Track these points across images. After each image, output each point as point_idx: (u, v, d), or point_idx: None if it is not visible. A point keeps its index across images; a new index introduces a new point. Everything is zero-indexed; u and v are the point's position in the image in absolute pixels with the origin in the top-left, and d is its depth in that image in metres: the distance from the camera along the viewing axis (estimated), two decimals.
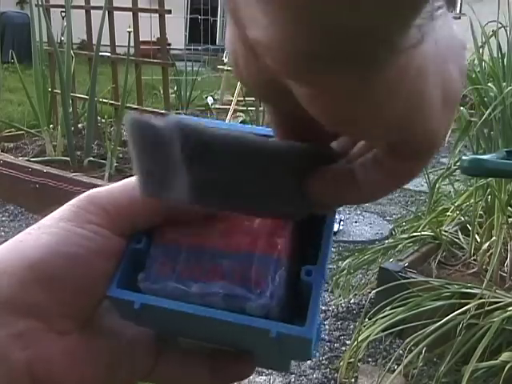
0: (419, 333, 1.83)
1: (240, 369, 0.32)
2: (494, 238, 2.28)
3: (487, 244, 2.31)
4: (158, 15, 3.68)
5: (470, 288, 1.98)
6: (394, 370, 1.83)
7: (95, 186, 0.32)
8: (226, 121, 4.17)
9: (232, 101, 4.65)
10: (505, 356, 1.76)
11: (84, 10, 3.91)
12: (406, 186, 4.12)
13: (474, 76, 2.41)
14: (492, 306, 1.86)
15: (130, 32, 3.71)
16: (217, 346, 0.32)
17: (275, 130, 0.26)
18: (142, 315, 0.29)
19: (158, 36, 3.88)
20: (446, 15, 0.21)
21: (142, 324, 0.31)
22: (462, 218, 2.58)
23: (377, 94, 0.19)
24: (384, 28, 0.16)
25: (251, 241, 0.29)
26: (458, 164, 2.40)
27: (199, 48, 7.35)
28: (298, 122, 0.24)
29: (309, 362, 2.07)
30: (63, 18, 4.25)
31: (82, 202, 0.30)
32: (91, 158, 3.63)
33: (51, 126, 3.93)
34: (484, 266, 2.31)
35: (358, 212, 3.63)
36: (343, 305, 2.43)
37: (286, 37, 0.17)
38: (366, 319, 2.02)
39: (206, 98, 5.79)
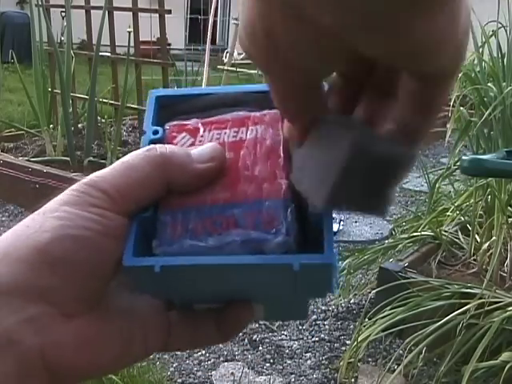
0: (419, 333, 1.83)
1: (242, 316, 0.32)
2: (493, 237, 2.28)
3: (487, 244, 2.31)
4: (158, 15, 3.68)
5: (470, 288, 1.98)
6: (394, 370, 1.83)
7: None
8: None
9: None
10: (505, 356, 1.76)
11: (84, 10, 3.91)
12: (405, 186, 4.13)
13: (473, 76, 2.41)
14: (492, 306, 1.86)
15: (129, 32, 3.71)
16: (229, 300, 0.32)
17: (294, 104, 0.27)
18: (161, 280, 0.29)
19: (158, 36, 3.87)
20: None
21: (160, 292, 0.31)
22: (462, 218, 2.58)
23: (448, 16, 0.21)
24: None
25: (256, 187, 0.29)
26: (458, 164, 2.40)
27: (199, 48, 7.35)
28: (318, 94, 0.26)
29: (309, 362, 2.07)
30: (63, 18, 4.25)
31: (83, 187, 0.30)
32: (91, 158, 3.63)
33: (51, 125, 3.93)
34: (484, 266, 2.31)
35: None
36: (343, 305, 2.43)
37: None
38: (366, 319, 2.02)
39: None
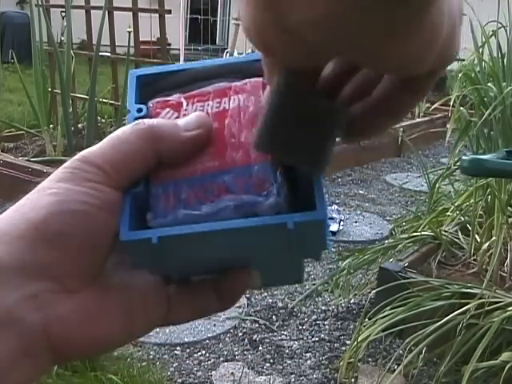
0: (419, 333, 1.83)
1: (241, 281, 0.33)
2: (493, 237, 2.28)
3: (487, 244, 2.31)
4: (158, 15, 3.68)
5: (470, 288, 1.98)
6: (394, 370, 1.83)
7: None
8: None
9: None
10: (505, 356, 1.76)
11: (84, 10, 3.91)
12: (405, 186, 4.13)
13: (473, 76, 2.41)
14: (492, 306, 1.86)
15: (129, 32, 3.71)
16: (225, 269, 0.33)
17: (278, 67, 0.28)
18: (159, 252, 0.29)
19: (158, 36, 3.87)
20: None
21: (158, 266, 0.32)
22: (462, 218, 2.58)
23: (431, 20, 0.21)
24: None
25: (244, 153, 0.30)
26: (458, 164, 2.40)
27: (199, 48, 7.35)
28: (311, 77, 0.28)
29: (309, 362, 2.07)
30: (63, 18, 4.25)
31: (76, 163, 0.30)
32: None
33: (51, 125, 3.93)
34: (484, 266, 2.31)
35: (358, 212, 3.63)
36: (343, 305, 2.43)
37: None
38: (366, 319, 2.02)
39: None
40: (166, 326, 2.20)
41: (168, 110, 0.32)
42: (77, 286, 0.29)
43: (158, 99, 0.33)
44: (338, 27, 0.20)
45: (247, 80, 0.32)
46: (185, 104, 0.32)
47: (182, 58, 3.58)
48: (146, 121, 0.31)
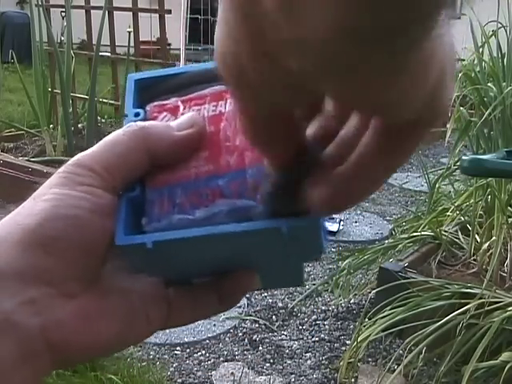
0: (419, 333, 1.83)
1: (243, 283, 0.33)
2: (493, 237, 2.28)
3: (487, 244, 2.31)
4: (158, 15, 3.68)
5: (470, 288, 1.98)
6: (394, 370, 1.83)
7: None
8: None
9: None
10: (505, 356, 1.76)
11: (84, 10, 3.91)
12: (405, 186, 4.12)
13: (473, 76, 2.41)
14: (492, 306, 1.86)
15: (129, 32, 3.71)
16: (224, 271, 0.33)
17: (264, 143, 0.26)
18: (154, 257, 0.29)
19: (158, 36, 3.88)
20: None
21: (155, 269, 0.32)
22: (462, 218, 2.58)
23: (419, 65, 0.20)
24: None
25: (238, 157, 0.30)
26: (458, 164, 2.40)
27: (199, 48, 7.35)
28: (283, 119, 0.25)
29: (309, 362, 2.07)
30: (63, 18, 4.25)
31: (69, 168, 0.30)
32: None
33: (51, 125, 3.93)
34: (484, 266, 2.31)
35: (358, 212, 3.63)
36: (343, 305, 2.43)
37: (340, 18, 0.17)
38: (366, 319, 2.02)
39: None
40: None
41: (165, 113, 0.32)
42: (74, 290, 0.29)
43: (155, 103, 0.33)
44: (323, 52, 0.18)
45: None
46: (181, 108, 0.32)
47: (182, 58, 3.58)
48: (138, 123, 0.31)
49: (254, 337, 2.20)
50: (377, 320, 1.95)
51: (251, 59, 0.20)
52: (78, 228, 0.29)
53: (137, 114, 0.33)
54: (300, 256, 0.33)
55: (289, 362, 2.08)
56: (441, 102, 0.23)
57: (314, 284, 2.59)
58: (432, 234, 2.49)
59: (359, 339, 1.91)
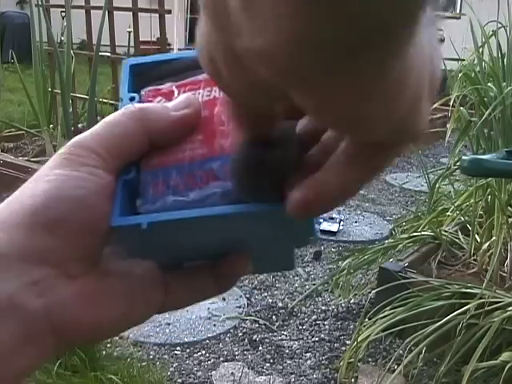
0: (419, 333, 1.83)
1: (239, 266, 0.33)
2: (493, 238, 2.28)
3: (487, 244, 2.31)
4: (158, 15, 3.68)
5: (470, 288, 1.98)
6: (394, 370, 1.83)
7: None
8: None
9: None
10: (505, 356, 1.76)
11: (84, 10, 3.91)
12: (405, 186, 4.13)
13: (473, 76, 2.41)
14: (492, 306, 1.86)
15: (129, 32, 3.71)
16: (218, 255, 0.33)
17: (240, 124, 0.27)
18: (149, 238, 0.30)
19: (158, 36, 3.88)
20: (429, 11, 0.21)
21: (149, 253, 0.32)
22: (462, 218, 2.58)
23: (388, 88, 0.19)
24: (394, 18, 0.16)
25: (232, 142, 0.30)
26: (458, 164, 2.40)
27: None
28: (265, 119, 0.25)
29: (309, 362, 2.07)
30: (63, 18, 4.25)
31: (71, 149, 0.30)
32: None
33: (51, 125, 3.93)
34: (484, 266, 2.31)
35: (358, 212, 3.63)
36: (343, 305, 2.43)
37: (299, 33, 0.17)
38: (366, 319, 2.02)
39: None
40: (167, 325, 2.20)
41: (160, 98, 0.33)
42: (77, 271, 0.29)
43: (150, 88, 0.34)
44: (283, 62, 0.18)
45: None
46: (176, 92, 0.33)
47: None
48: (136, 104, 0.32)
49: (254, 337, 2.20)
50: (377, 320, 1.95)
51: (221, 58, 0.21)
52: (81, 209, 0.29)
53: (132, 99, 0.33)
54: (291, 240, 0.33)
55: (289, 361, 2.08)
56: (414, 126, 0.22)
57: (314, 284, 2.59)
58: (432, 233, 2.49)
59: (359, 339, 1.91)
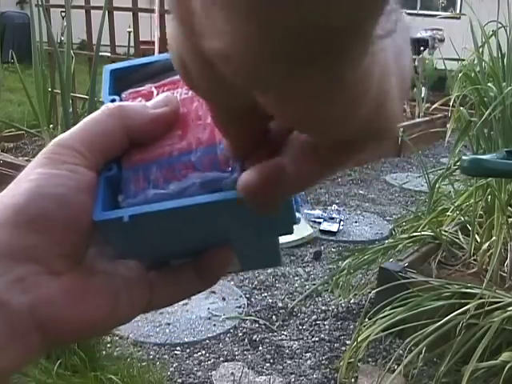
0: (419, 333, 1.83)
1: (221, 258, 0.33)
2: (493, 238, 2.28)
3: (487, 244, 2.31)
4: (157, 15, 3.68)
5: (470, 288, 1.98)
6: (394, 370, 1.83)
7: None
8: None
9: None
10: (505, 356, 1.76)
11: (84, 10, 3.91)
12: (405, 186, 4.12)
13: (473, 76, 2.41)
14: (492, 306, 1.86)
15: (129, 32, 3.71)
16: (202, 250, 0.34)
17: (222, 129, 0.27)
18: (132, 232, 0.30)
19: (158, 36, 3.87)
20: (398, 8, 0.21)
21: (133, 249, 0.33)
22: (462, 218, 2.58)
23: (346, 92, 0.19)
24: (347, 21, 0.17)
25: (210, 134, 0.31)
26: (458, 164, 2.40)
27: None
28: (240, 117, 0.25)
29: (309, 362, 2.07)
30: (63, 17, 4.25)
31: (51, 148, 0.31)
32: None
33: (51, 126, 3.93)
34: (484, 266, 2.31)
35: (358, 212, 3.63)
36: (343, 305, 2.43)
37: (249, 41, 0.17)
38: (366, 319, 2.02)
39: None
40: (167, 325, 2.20)
41: (140, 99, 0.34)
42: (61, 267, 0.30)
43: (130, 90, 0.35)
44: (242, 64, 0.18)
45: None
46: (155, 93, 0.34)
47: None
48: (116, 102, 0.33)
49: (254, 337, 2.20)
50: (377, 320, 1.95)
51: (189, 59, 0.21)
52: (63, 206, 0.29)
53: (113, 101, 0.34)
54: (272, 228, 0.33)
55: (289, 361, 2.08)
56: (380, 125, 0.22)
57: (314, 284, 2.59)
58: (432, 234, 2.49)
59: (359, 339, 1.91)
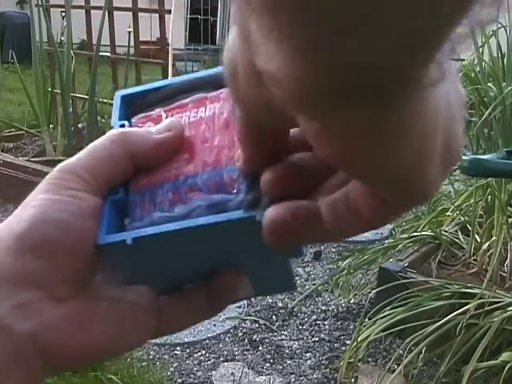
0: (419, 333, 1.83)
1: (230, 282, 0.33)
2: (493, 238, 2.28)
3: (487, 244, 2.31)
4: (158, 15, 3.68)
5: (470, 288, 1.98)
6: (394, 370, 1.83)
7: None
8: None
9: None
10: (505, 356, 1.76)
11: (84, 10, 3.91)
12: None
13: (473, 76, 2.41)
14: (492, 306, 1.86)
15: (130, 32, 3.71)
16: (210, 271, 0.33)
17: (245, 143, 0.27)
18: (137, 255, 0.30)
19: (158, 36, 3.87)
20: (452, 65, 0.21)
21: (141, 274, 0.32)
22: (462, 218, 2.58)
23: (388, 134, 0.19)
24: (397, 64, 0.17)
25: (216, 156, 0.31)
26: (457, 164, 2.39)
27: (199, 48, 7.35)
28: (268, 134, 0.25)
29: (309, 362, 2.07)
30: (63, 17, 4.25)
31: (55, 174, 0.31)
32: None
33: (51, 125, 3.93)
34: (484, 266, 2.31)
35: None
36: (343, 305, 2.43)
37: (299, 72, 0.17)
38: (366, 319, 2.02)
39: None
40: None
41: (149, 123, 0.34)
42: (65, 293, 0.29)
43: (140, 115, 0.35)
44: (290, 89, 0.18)
45: (222, 89, 0.34)
46: (164, 117, 0.34)
47: (170, 58, 3.54)
48: (120, 129, 0.33)
49: (254, 337, 2.20)
50: (377, 320, 1.95)
51: (243, 71, 0.21)
52: (65, 231, 0.29)
53: (122, 126, 0.34)
54: (282, 251, 0.33)
55: (289, 361, 2.08)
56: (415, 185, 0.22)
57: (314, 284, 2.59)
58: (432, 234, 2.49)
59: (359, 339, 1.91)
